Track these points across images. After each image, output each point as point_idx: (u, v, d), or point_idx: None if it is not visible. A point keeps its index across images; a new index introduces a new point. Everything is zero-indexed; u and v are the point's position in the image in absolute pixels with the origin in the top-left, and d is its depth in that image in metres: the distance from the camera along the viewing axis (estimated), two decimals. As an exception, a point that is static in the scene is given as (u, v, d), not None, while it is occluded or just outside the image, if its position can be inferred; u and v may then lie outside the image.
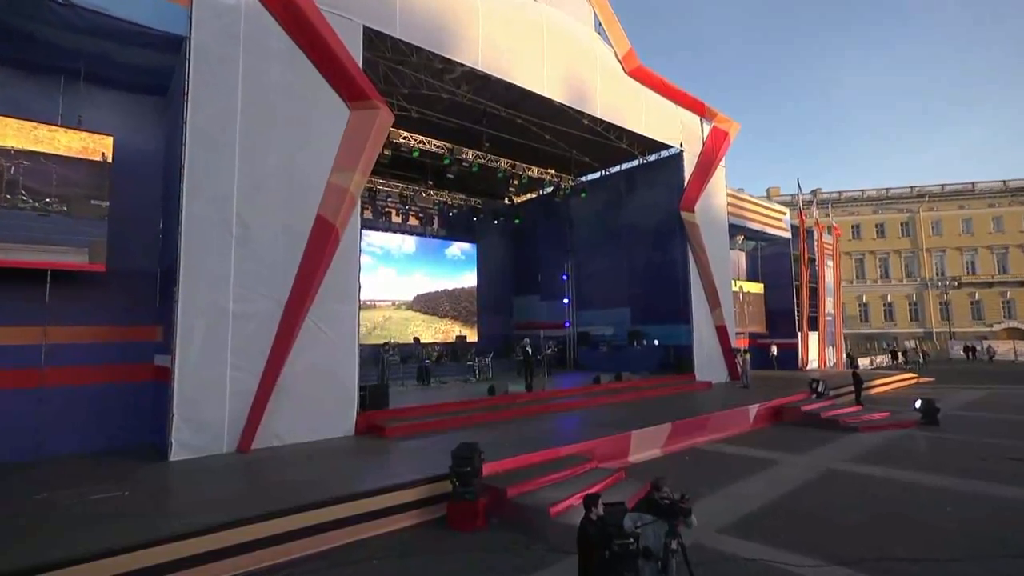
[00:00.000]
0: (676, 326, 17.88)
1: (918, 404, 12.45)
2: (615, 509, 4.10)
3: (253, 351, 8.51)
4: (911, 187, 51.42)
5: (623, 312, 19.92)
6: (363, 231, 19.86)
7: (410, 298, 21.41)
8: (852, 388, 15.68)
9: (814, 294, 24.80)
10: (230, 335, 8.33)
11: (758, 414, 12.67)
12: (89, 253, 8.03)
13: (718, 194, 19.51)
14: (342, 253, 9.65)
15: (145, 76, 9.31)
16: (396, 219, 20.82)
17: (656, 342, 18.50)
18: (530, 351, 14.25)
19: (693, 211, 17.70)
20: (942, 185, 50.48)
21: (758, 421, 12.63)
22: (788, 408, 13.17)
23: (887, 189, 52.11)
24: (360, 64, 10.26)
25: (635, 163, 19.98)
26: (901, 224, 50.53)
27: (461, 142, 17.18)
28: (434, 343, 20.80)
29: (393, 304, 20.89)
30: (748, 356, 16.91)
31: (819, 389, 14.47)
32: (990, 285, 47.20)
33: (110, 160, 8.23)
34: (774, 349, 23.64)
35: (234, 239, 8.48)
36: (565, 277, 21.61)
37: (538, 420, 11.09)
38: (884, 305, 49.90)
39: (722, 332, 18.30)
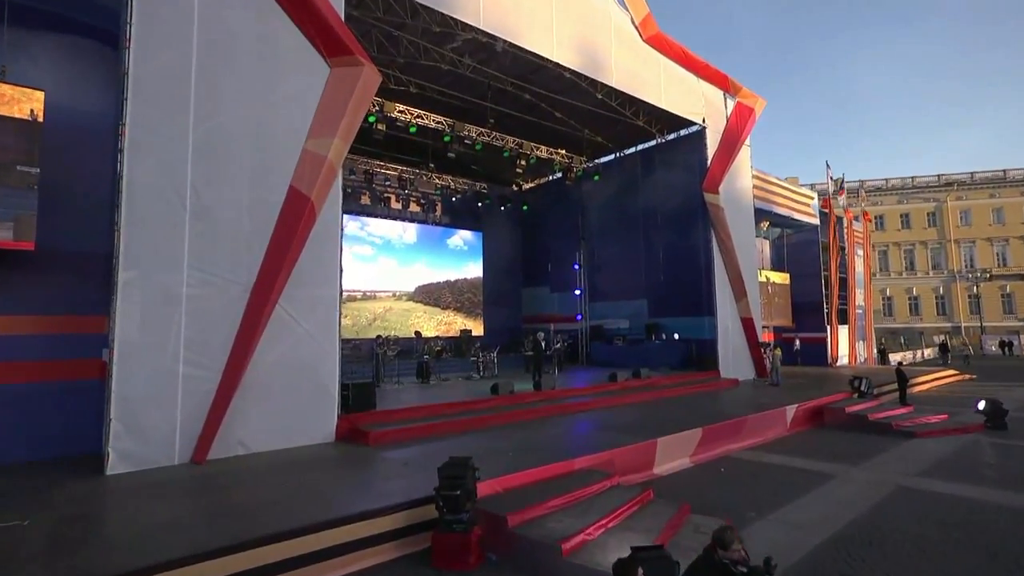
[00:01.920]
0: (698, 319, 16.42)
1: (981, 405, 10.92)
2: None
3: (212, 344, 7.24)
4: (938, 175, 49.22)
5: (640, 304, 18.47)
6: (361, 218, 18.88)
7: (411, 289, 20.13)
8: (895, 386, 14.16)
9: (843, 285, 23.13)
10: (183, 325, 7.05)
11: (796, 416, 11.21)
12: (14, 228, 6.78)
13: (743, 176, 17.97)
14: (320, 231, 8.34)
15: (88, 19, 8.03)
16: (396, 205, 19.51)
17: (676, 336, 17.03)
18: (543, 344, 12.88)
19: (717, 192, 16.18)
20: (971, 173, 48.22)
21: (796, 424, 11.18)
22: (830, 409, 11.69)
23: (912, 178, 49.95)
24: (342, 16, 8.93)
25: (652, 143, 18.47)
26: (927, 214, 48.38)
27: (464, 119, 15.81)
28: (437, 337, 19.50)
29: (394, 295, 19.63)
30: (779, 352, 15.39)
31: (862, 388, 12.97)
32: (1023, 277, 44.94)
33: (40, 119, 6.96)
34: (797, 343, 22.09)
35: (188, 212, 7.19)
36: (577, 267, 20.18)
37: (548, 424, 9.74)
38: (910, 299, 47.82)
39: (748, 325, 16.80)
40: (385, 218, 19.27)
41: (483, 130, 15.78)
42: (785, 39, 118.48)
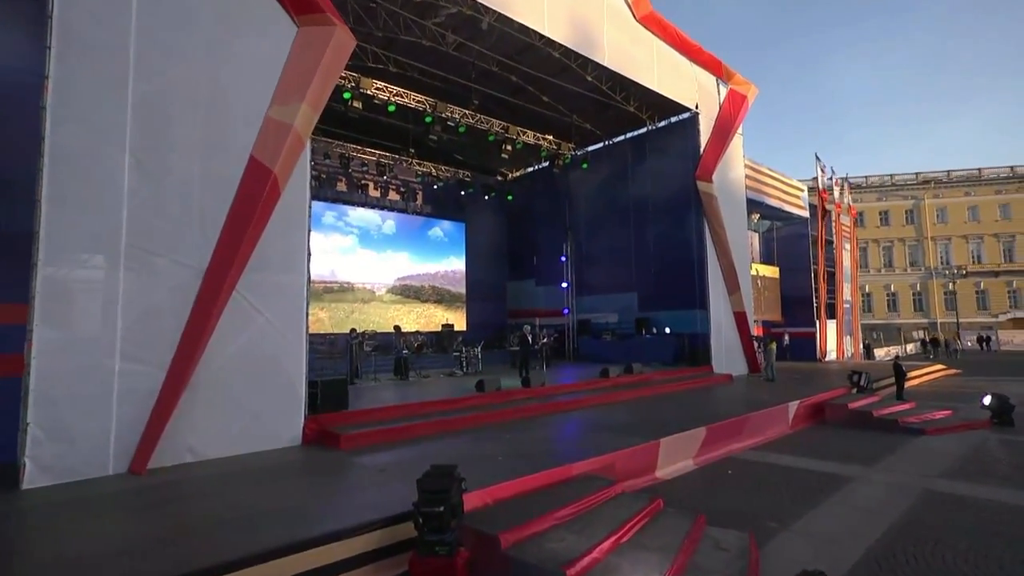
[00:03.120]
0: (691, 312, 15.81)
1: (987, 401, 10.49)
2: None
3: (156, 335, 6.28)
4: (916, 174, 49.85)
5: (629, 297, 17.81)
6: (336, 205, 17.80)
7: (390, 282, 19.16)
8: (891, 381, 13.79)
9: (831, 280, 22.86)
10: (120, 314, 6.07)
11: (797, 413, 10.65)
12: (-88, 198, 5.75)
13: (736, 166, 17.44)
14: (285, 209, 7.41)
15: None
16: (374, 193, 18.51)
17: (668, 330, 16.41)
18: (530, 339, 12.10)
19: (711, 181, 15.59)
20: (948, 171, 48.93)
21: (797, 421, 10.62)
22: (831, 406, 11.16)
23: (891, 176, 50.51)
24: (311, -30, 7.97)
25: (643, 131, 17.80)
26: (906, 211, 49.02)
27: (447, 101, 14.90)
28: (417, 332, 18.58)
29: (371, 288, 18.63)
30: (773, 346, 14.88)
31: (861, 382, 12.51)
32: (996, 274, 45.81)
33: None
34: (786, 338, 21.71)
35: (126, 182, 6.21)
36: (564, 259, 19.44)
37: (538, 423, 8.97)
38: (887, 295, 48.39)
39: (741, 319, 16.27)
40: (362, 206, 18.25)
41: (467, 112, 14.90)
42: (766, 37, 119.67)
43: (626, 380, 12.61)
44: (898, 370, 13.74)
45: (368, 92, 12.77)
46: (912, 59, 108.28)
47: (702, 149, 15.80)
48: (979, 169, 48.21)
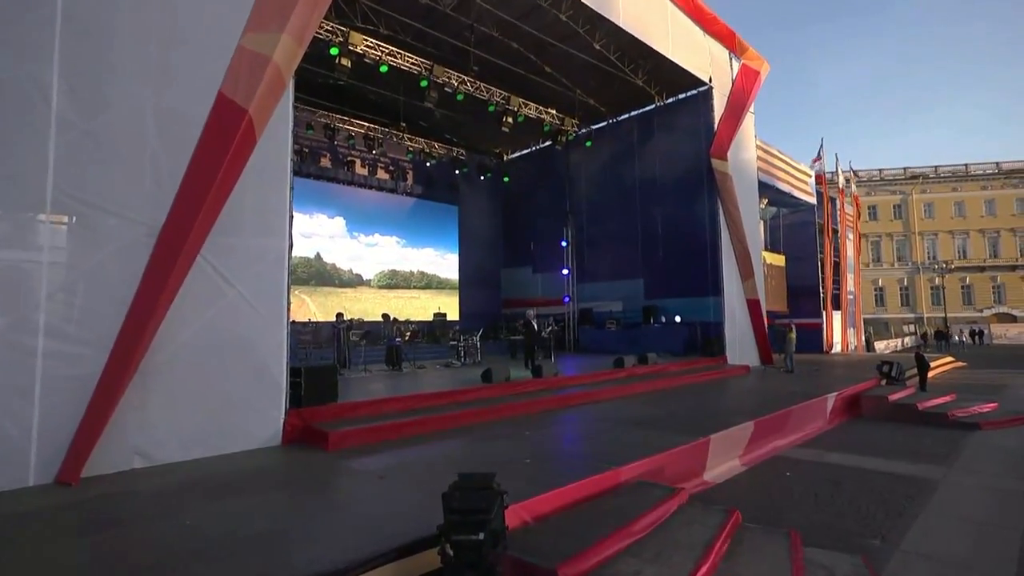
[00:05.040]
0: (703, 299, 14.83)
1: (1036, 392, 9.66)
2: None
3: (95, 308, 4.95)
4: (904, 169, 49.88)
5: (635, 284, 16.76)
6: (320, 182, 16.33)
7: (378, 267, 17.80)
8: (911, 372, 13.00)
9: (836, 270, 22.16)
10: (45, 282, 4.73)
11: (835, 407, 9.69)
12: None
13: (748, 146, 16.48)
14: (263, 159, 6.12)
15: None
16: (361, 170, 17.10)
17: (678, 319, 15.39)
18: (535, 325, 10.94)
19: (725, 159, 14.58)
20: (935, 167, 49.06)
21: (834, 416, 9.65)
22: (868, 398, 10.24)
23: (880, 170, 50.47)
24: None
25: (651, 107, 16.73)
26: (894, 207, 49.10)
27: (444, 66, 13.59)
28: (407, 320, 17.26)
29: (358, 272, 17.25)
30: (793, 335, 13.97)
31: (892, 373, 11.63)
32: (981, 270, 46.11)
33: None
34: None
35: (54, 117, 4.85)
36: (564, 244, 18.28)
37: (558, 419, 7.83)
38: (875, 290, 48.36)
39: (754, 307, 15.34)
40: (349, 184, 16.83)
41: (465, 79, 13.61)
42: (744, 29, 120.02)
43: (641, 371, 11.53)
44: (921, 361, 12.94)
45: (358, 50, 11.39)
46: (889, 57, 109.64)
47: (716, 125, 14.79)
48: (965, 165, 48.42)
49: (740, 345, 14.71)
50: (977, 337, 34.51)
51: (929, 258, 47.49)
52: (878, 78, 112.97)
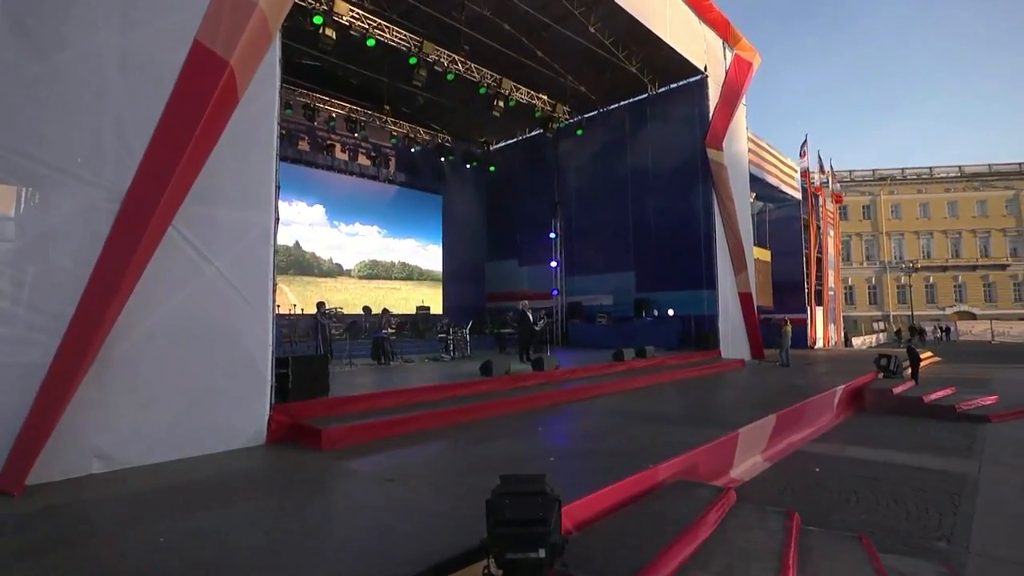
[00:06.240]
0: (696, 292, 14.53)
1: (1036, 385, 9.62)
2: None
3: (44, 285, 4.17)
4: (872, 171, 51.22)
5: (626, 277, 16.37)
6: (298, 167, 15.39)
7: (359, 257, 16.96)
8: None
9: (819, 266, 22.31)
10: (-19, 248, 3.93)
11: (841, 400, 9.45)
12: None
13: (740, 138, 16.26)
14: (248, 121, 5.40)
15: None
16: (341, 155, 16.23)
17: (671, 312, 15.06)
18: (531, 316, 10.39)
19: (721, 149, 14.30)
20: (902, 169, 50.55)
21: (841, 410, 9.41)
22: (872, 391, 10.05)
23: (850, 172, 51.68)
24: None
25: (643, 96, 16.35)
26: (863, 207, 50.32)
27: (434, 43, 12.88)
28: (390, 314, 16.47)
29: (338, 263, 16.39)
30: (789, 329, 13.79)
31: (890, 367, 11.52)
32: (944, 269, 47.72)
33: None
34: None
35: (-5, 48, 4.05)
36: (553, 236, 17.76)
37: (567, 413, 7.31)
38: (845, 288, 49.47)
39: (746, 301, 15.14)
40: (328, 169, 15.94)
41: (456, 58, 12.93)
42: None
43: (641, 364, 11.11)
44: (913, 355, 12.92)
45: (343, 20, 10.60)
46: (858, 59, 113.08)
47: (711, 115, 14.49)
48: (930, 168, 50.03)
49: (732, 339, 14.47)
50: (944, 334, 35.57)
51: (896, 258, 48.90)
52: (840, 83, 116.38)
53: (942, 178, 49.51)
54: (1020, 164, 47.69)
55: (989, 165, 48.65)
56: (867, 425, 8.71)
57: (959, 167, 49.32)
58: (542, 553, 2.44)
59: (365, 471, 4.55)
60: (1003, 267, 46.30)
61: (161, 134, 4.73)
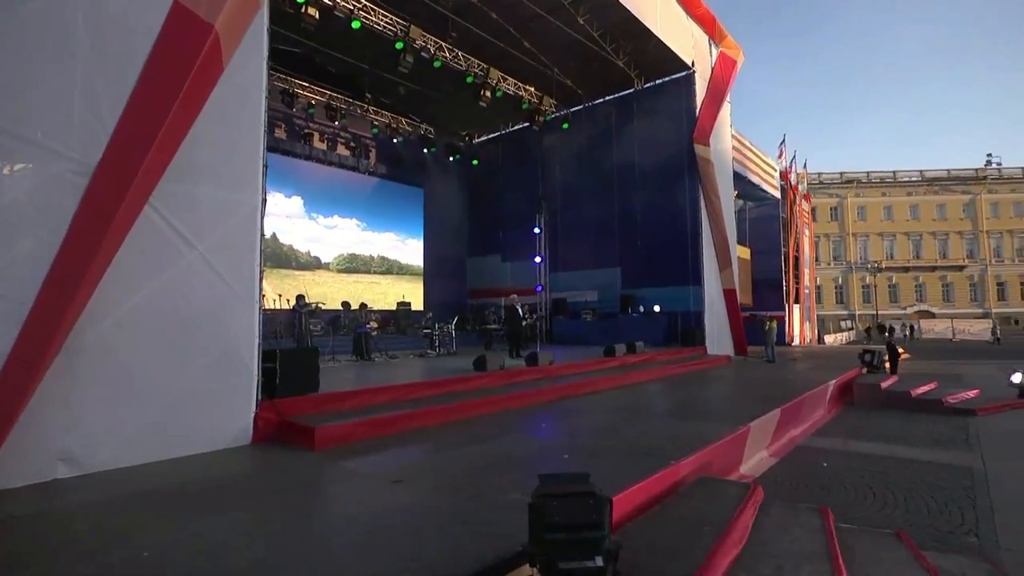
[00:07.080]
0: (682, 288, 14.50)
1: (1016, 379, 9.85)
2: None
3: (5, 270, 3.67)
4: (840, 173, 52.76)
5: (611, 273, 16.24)
6: (275, 156, 14.70)
7: (338, 250, 16.38)
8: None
9: (796, 264, 22.70)
10: (-73, 221, 3.42)
11: (832, 394, 9.47)
12: None
13: (724, 136, 16.33)
14: (234, 92, 4.96)
15: None
16: (320, 145, 15.62)
17: (657, 308, 14.99)
18: (520, 311, 10.12)
19: (708, 145, 14.30)
20: (868, 172, 52.22)
21: (832, 404, 9.44)
22: (859, 386, 10.12)
23: (819, 174, 53.11)
24: None
25: (630, 91, 16.25)
26: (831, 209, 51.72)
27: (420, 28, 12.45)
28: (369, 309, 15.97)
29: (316, 256, 15.78)
30: (774, 325, 13.89)
31: (874, 362, 11.69)
32: (906, 270, 49.52)
33: None
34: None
35: (-56, -7, 3.53)
36: (537, 231, 17.52)
37: (568, 409, 7.05)
38: (814, 288, 50.90)
39: (731, 297, 15.20)
40: (306, 159, 15.32)
41: (443, 45, 12.54)
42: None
43: (633, 360, 10.96)
44: (892, 349, 13.21)
45: (327, 0, 10.09)
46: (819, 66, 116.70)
47: (698, 110, 14.48)
48: (894, 172, 51.82)
49: (718, 336, 14.51)
50: (909, 332, 36.88)
51: (861, 258, 50.49)
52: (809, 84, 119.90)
53: (904, 182, 51.34)
54: (977, 170, 49.86)
55: (948, 170, 50.64)
56: (860, 419, 8.72)
57: (920, 171, 51.22)
58: (599, 561, 2.17)
59: (367, 472, 4.18)
60: (960, 268, 48.29)
61: (137, 102, 4.28)
